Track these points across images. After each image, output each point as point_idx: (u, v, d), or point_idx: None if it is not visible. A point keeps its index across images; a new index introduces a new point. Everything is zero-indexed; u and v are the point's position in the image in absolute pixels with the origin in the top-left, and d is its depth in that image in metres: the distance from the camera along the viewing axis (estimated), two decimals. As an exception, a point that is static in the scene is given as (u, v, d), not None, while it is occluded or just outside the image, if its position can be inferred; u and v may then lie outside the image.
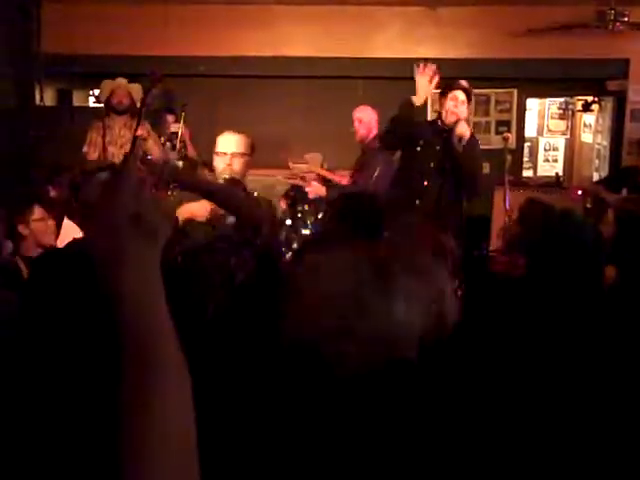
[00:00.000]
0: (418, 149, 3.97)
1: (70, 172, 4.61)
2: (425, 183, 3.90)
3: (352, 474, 1.10)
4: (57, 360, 1.51)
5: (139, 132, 4.87)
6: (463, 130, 3.84)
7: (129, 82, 5.38)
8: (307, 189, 5.01)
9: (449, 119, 3.94)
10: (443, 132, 3.96)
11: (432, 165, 3.91)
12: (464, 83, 4.05)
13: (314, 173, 5.75)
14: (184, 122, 6.24)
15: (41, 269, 1.71)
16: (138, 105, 5.46)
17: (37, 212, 3.49)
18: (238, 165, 3.37)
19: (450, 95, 3.96)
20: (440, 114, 4.08)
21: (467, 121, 4.08)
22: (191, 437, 0.79)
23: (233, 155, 3.37)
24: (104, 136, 5.06)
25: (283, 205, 5.66)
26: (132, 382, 0.78)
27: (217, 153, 3.41)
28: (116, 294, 0.81)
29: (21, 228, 3.45)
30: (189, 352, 0.84)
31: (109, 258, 0.81)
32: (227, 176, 3.30)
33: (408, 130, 3.98)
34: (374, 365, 1.21)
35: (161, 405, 0.78)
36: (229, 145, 3.40)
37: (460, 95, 3.96)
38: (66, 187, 4.88)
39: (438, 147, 3.94)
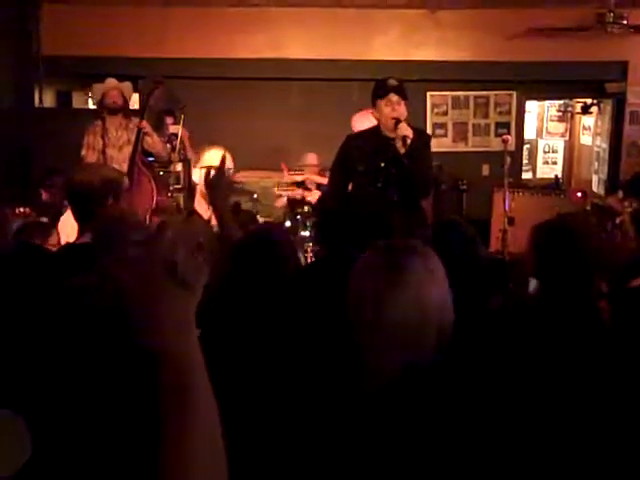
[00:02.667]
0: (360, 169, 3.70)
1: (62, 176, 4.60)
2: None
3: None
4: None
5: (142, 124, 4.87)
6: (404, 131, 3.55)
7: (126, 83, 5.37)
8: (308, 198, 4.92)
9: (390, 126, 3.65)
10: (387, 143, 3.66)
11: (379, 185, 3.61)
12: (393, 82, 3.71)
13: (310, 179, 5.74)
14: (183, 124, 6.25)
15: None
16: (131, 105, 5.45)
17: (54, 238, 3.49)
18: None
19: (384, 101, 3.66)
20: (379, 122, 3.76)
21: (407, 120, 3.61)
22: (221, 450, 0.87)
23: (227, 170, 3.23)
24: (103, 138, 5.05)
25: (282, 207, 5.66)
26: (167, 412, 0.85)
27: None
28: (152, 342, 0.85)
29: None
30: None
31: (146, 307, 0.86)
32: None
33: (348, 159, 3.77)
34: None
35: (192, 428, 0.85)
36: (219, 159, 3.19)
37: (393, 97, 3.66)
38: (58, 190, 4.90)
39: (383, 164, 3.64)
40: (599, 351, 1.88)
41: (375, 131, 3.81)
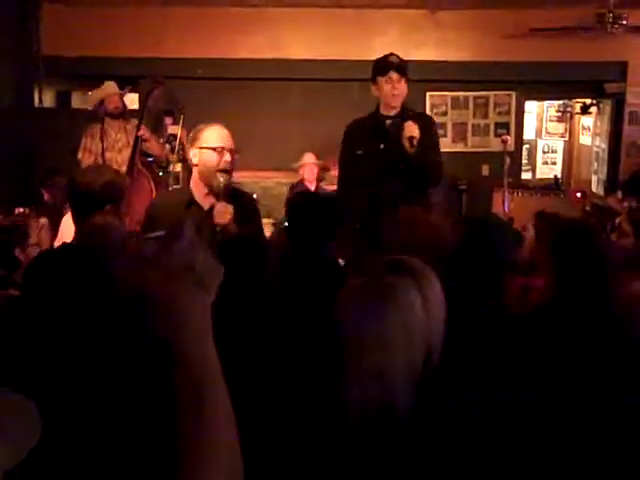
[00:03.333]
0: (359, 153, 3.65)
1: (64, 176, 4.60)
2: (371, 190, 3.57)
3: None
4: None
5: (140, 132, 4.88)
6: (412, 132, 3.47)
7: (127, 84, 5.39)
8: None
9: (392, 103, 3.60)
10: (385, 127, 3.61)
11: (375, 173, 3.57)
12: (395, 59, 3.67)
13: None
14: (182, 124, 6.25)
15: (35, 272, 1.74)
16: (129, 105, 5.46)
17: (33, 237, 3.51)
18: (234, 162, 2.99)
19: (384, 78, 3.61)
20: (378, 103, 3.70)
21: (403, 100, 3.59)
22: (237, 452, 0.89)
23: (231, 151, 2.97)
24: (102, 141, 5.05)
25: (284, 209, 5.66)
26: (185, 412, 0.86)
27: (214, 148, 2.95)
28: (169, 337, 0.86)
29: (18, 252, 3.48)
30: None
31: (164, 304, 0.86)
32: (225, 177, 2.93)
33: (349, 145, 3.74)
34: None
35: (211, 428, 0.86)
36: (223, 139, 2.99)
37: (394, 75, 3.60)
38: (60, 190, 4.90)
39: (382, 145, 3.59)
40: (620, 348, 1.91)
41: (373, 114, 3.76)
